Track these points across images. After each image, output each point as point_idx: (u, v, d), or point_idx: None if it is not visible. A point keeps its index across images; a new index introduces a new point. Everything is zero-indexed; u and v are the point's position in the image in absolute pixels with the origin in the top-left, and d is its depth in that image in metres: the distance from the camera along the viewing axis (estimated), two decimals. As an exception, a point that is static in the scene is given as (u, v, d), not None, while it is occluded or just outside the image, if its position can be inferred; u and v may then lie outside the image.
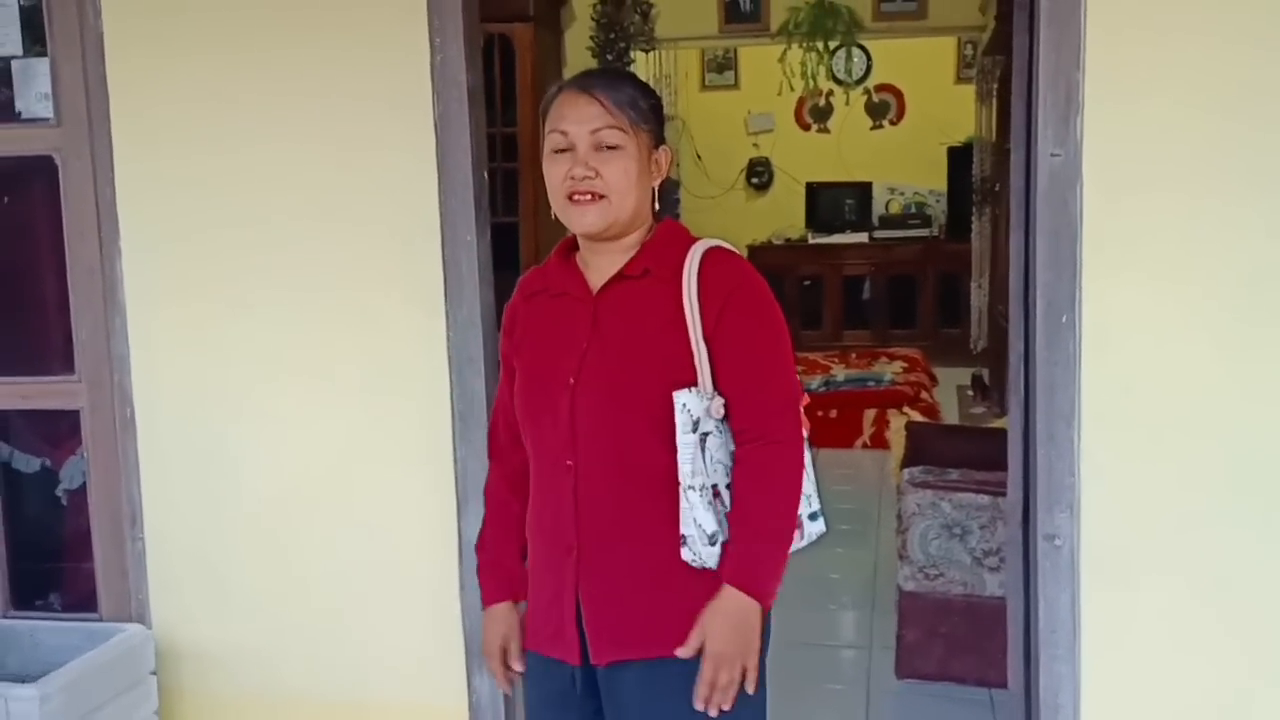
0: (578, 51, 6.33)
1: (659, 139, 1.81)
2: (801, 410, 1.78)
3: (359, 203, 2.46)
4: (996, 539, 3.44)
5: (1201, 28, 2.08)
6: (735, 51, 8.96)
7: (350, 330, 2.49)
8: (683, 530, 1.71)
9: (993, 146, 6.41)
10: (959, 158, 8.68)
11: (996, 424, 3.94)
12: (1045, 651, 2.27)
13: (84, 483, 2.66)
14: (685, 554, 1.71)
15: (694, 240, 1.79)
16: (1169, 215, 2.13)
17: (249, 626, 2.59)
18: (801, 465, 1.75)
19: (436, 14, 2.38)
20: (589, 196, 1.74)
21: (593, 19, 6.27)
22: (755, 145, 9.29)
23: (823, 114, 9.15)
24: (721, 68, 9.21)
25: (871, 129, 9.54)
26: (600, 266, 1.80)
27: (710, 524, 1.69)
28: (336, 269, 2.49)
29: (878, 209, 9.56)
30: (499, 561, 1.94)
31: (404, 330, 2.46)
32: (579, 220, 1.76)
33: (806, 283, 8.95)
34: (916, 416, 6.02)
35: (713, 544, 1.70)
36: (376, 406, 2.50)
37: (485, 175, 2.48)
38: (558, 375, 1.77)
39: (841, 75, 8.38)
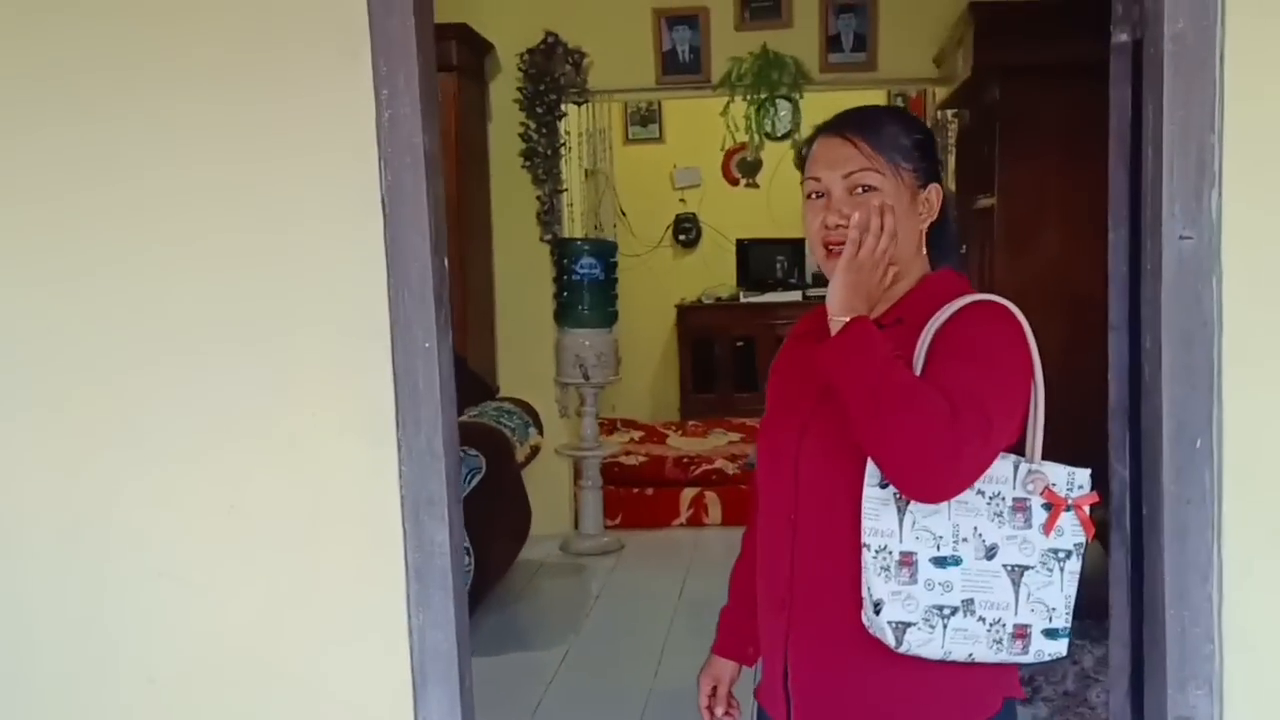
0: (504, 104, 5.85)
1: (928, 177, 1.70)
2: (1086, 511, 1.56)
3: (285, 299, 1.90)
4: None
5: None
6: (659, 104, 8.52)
7: (273, 464, 1.92)
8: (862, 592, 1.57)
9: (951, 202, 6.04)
10: (897, 214, 8.38)
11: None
12: None
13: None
14: (862, 618, 1.57)
15: (966, 292, 1.63)
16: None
17: None
18: (947, 440, 1.48)
19: (384, 58, 1.84)
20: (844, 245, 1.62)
21: (520, 69, 5.79)
22: (682, 201, 8.83)
23: (751, 168, 8.70)
24: (645, 120, 8.74)
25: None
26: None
27: (878, 589, 1.54)
28: (255, 384, 1.92)
29: (810, 267, 9.20)
30: (738, 618, 1.91)
31: (343, 463, 1.90)
32: None
33: (739, 343, 8.53)
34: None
35: (877, 612, 1.54)
36: (308, 564, 1.92)
37: (445, 263, 1.95)
38: (790, 423, 1.70)
39: (769, 129, 8.03)
